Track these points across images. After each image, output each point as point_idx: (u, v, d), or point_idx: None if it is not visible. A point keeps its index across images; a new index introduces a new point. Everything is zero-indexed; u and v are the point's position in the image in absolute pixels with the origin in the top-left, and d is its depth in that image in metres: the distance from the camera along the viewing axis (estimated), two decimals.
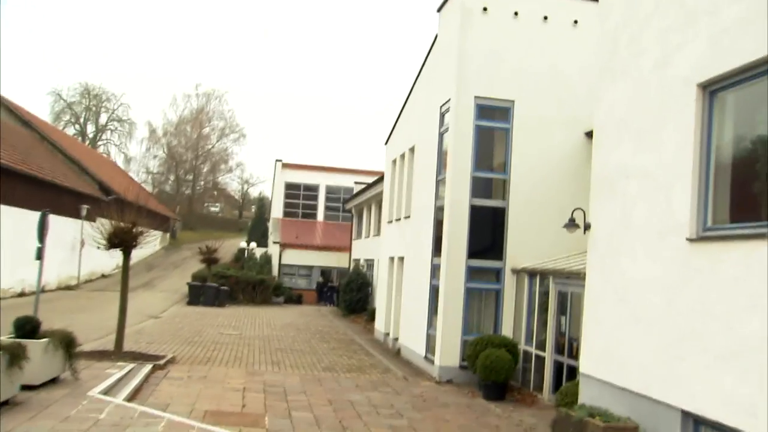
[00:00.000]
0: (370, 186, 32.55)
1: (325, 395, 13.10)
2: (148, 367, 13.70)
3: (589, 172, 16.46)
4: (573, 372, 13.32)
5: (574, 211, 11.03)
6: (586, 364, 9.60)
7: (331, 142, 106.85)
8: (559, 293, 14.29)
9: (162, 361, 14.68)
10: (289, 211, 48.72)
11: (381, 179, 28.54)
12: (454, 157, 16.41)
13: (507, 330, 16.11)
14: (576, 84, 16.76)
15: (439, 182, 17.67)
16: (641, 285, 8.31)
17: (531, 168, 16.52)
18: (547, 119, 16.66)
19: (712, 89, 7.46)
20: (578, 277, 13.18)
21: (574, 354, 13.38)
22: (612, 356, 8.83)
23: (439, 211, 17.41)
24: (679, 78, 7.85)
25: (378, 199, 30.60)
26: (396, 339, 21.52)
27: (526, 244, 16.27)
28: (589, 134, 16.58)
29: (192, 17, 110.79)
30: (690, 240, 7.42)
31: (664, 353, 7.67)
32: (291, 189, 49.02)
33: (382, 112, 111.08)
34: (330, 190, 49.14)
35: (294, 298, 39.66)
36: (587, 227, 9.88)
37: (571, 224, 10.86)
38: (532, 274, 15.59)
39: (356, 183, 41.12)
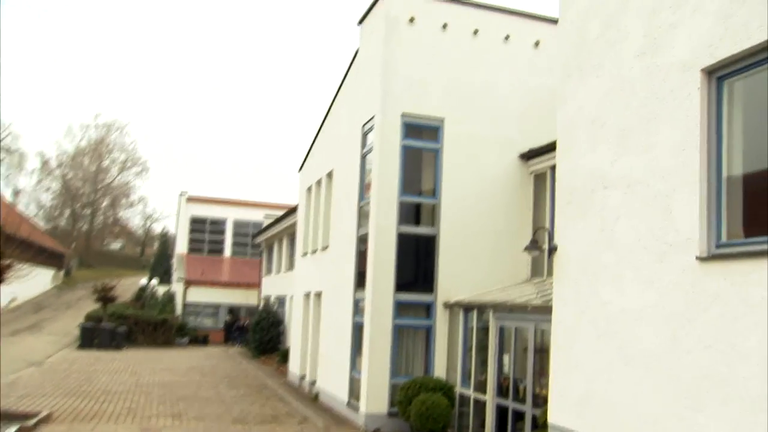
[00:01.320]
0: (281, 218, 30.67)
1: None
2: (11, 430, 11.28)
3: (525, 195, 15.66)
4: (519, 417, 11.90)
5: (536, 231, 9.54)
6: (557, 415, 7.96)
7: (238, 175, 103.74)
8: (501, 329, 12.84)
9: (32, 420, 12.23)
10: (195, 246, 46.27)
11: (293, 211, 26.78)
12: (379, 181, 14.89)
13: (440, 371, 14.62)
14: (509, 102, 15.78)
15: (362, 209, 16.07)
16: (631, 316, 6.78)
17: (463, 192, 15.21)
18: (479, 139, 15.42)
19: (720, 75, 6.11)
20: (523, 310, 11.77)
21: (520, 397, 11.94)
22: (597, 405, 7.24)
23: (362, 240, 15.78)
24: (676, 64, 6.48)
25: (290, 232, 28.79)
26: (313, 383, 19.55)
27: (459, 275, 14.88)
28: (524, 156, 15.52)
29: (88, 43, 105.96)
30: (701, 259, 5.96)
31: (674, 402, 6.13)
32: (196, 223, 46.68)
33: (292, 142, 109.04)
34: (238, 225, 47.13)
35: (200, 339, 37.34)
36: (553, 250, 8.30)
37: (533, 247, 9.30)
38: (467, 308, 14.10)
39: (266, 216, 39.17)
